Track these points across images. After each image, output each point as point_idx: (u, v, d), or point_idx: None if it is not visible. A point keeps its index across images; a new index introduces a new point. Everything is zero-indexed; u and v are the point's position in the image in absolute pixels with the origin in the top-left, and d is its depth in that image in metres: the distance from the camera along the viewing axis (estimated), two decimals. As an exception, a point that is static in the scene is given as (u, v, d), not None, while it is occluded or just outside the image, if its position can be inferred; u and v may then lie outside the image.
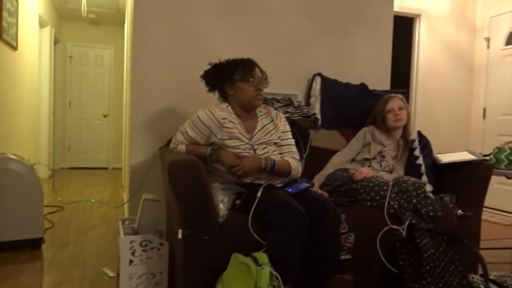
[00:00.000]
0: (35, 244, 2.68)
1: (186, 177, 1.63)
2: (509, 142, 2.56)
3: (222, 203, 1.74)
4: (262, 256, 1.57)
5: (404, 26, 4.71)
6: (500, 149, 2.51)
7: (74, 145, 7.25)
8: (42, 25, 5.56)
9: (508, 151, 2.47)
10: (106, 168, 7.39)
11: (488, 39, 4.75)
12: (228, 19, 2.69)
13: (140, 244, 1.93)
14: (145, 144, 2.51)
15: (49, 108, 5.90)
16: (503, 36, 4.59)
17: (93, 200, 4.32)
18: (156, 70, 2.54)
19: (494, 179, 3.52)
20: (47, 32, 5.74)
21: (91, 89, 7.30)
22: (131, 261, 1.92)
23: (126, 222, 2.25)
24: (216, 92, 2.10)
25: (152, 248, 1.95)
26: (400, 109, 2.41)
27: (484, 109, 4.81)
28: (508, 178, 2.51)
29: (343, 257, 1.82)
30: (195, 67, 2.55)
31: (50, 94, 5.95)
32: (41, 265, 2.41)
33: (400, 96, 2.49)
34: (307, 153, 2.50)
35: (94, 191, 4.94)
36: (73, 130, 7.23)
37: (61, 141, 7.10)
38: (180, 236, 1.63)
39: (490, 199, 4.53)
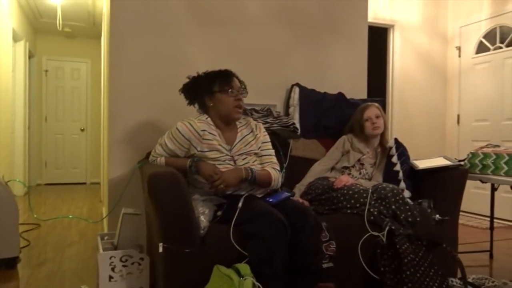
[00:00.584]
0: (10, 263, 2.58)
1: (165, 189, 1.62)
2: (482, 147, 2.64)
3: (203, 215, 1.74)
4: (244, 267, 1.57)
5: (378, 36, 4.82)
6: (474, 154, 2.58)
7: (50, 161, 7.10)
8: (16, 39, 5.47)
9: (481, 156, 2.54)
10: (84, 183, 7.25)
11: (459, 48, 4.90)
12: (206, 31, 2.70)
13: (120, 260, 1.90)
14: (124, 158, 2.49)
15: (24, 123, 5.78)
16: (473, 45, 4.75)
17: (71, 216, 4.22)
18: (134, 83, 2.52)
19: (469, 183, 3.62)
20: (21, 46, 5.64)
21: (67, 103, 7.19)
22: (111, 277, 1.88)
23: (106, 238, 2.21)
24: (196, 104, 2.09)
25: (132, 263, 1.92)
26: (377, 117, 2.45)
27: (458, 116, 4.94)
28: (483, 182, 2.58)
29: (325, 265, 1.82)
30: (173, 79, 2.55)
31: (25, 109, 5.83)
32: (16, 285, 2.33)
33: (376, 104, 2.54)
34: (287, 162, 2.52)
35: (72, 207, 4.83)
36: (49, 145, 7.09)
37: (37, 156, 6.94)
38: (160, 249, 1.61)
39: (467, 203, 4.64)
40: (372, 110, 2.47)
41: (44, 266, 2.64)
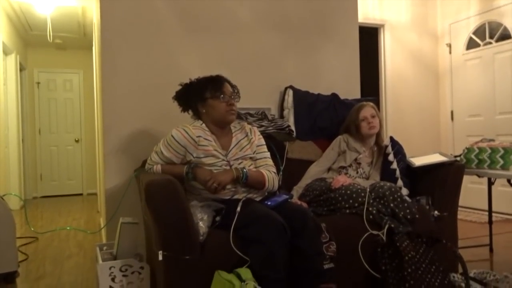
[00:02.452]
0: (9, 278, 2.57)
1: (163, 196, 1.61)
2: (477, 142, 2.65)
3: (202, 221, 1.73)
4: (245, 272, 1.56)
5: (369, 36, 4.84)
6: (469, 149, 2.59)
7: (46, 173, 7.05)
8: (6, 52, 5.44)
9: (477, 150, 2.55)
10: (81, 194, 7.21)
11: (449, 45, 4.94)
12: (197, 38, 2.70)
13: (120, 269, 1.89)
14: (120, 167, 2.47)
15: (18, 137, 5.74)
16: (463, 41, 4.78)
17: (68, 228, 4.19)
18: (126, 92, 2.52)
19: (466, 178, 3.60)
20: (12, 59, 5.61)
21: (61, 114, 7.15)
22: (111, 288, 1.87)
23: (104, 248, 2.19)
24: (190, 111, 2.09)
25: (132, 273, 1.91)
26: (373, 116, 2.46)
27: (452, 112, 4.96)
28: (479, 176, 2.59)
29: (326, 266, 1.82)
30: (166, 87, 2.55)
31: (18, 122, 5.80)
32: (16, 300, 2.31)
33: (371, 104, 2.54)
34: (284, 165, 2.52)
35: (69, 219, 4.80)
36: (44, 157, 7.04)
37: (32, 169, 6.90)
38: (160, 257, 1.60)
39: (465, 198, 4.64)
40: (368, 110, 2.48)
41: (43, 279, 2.62)
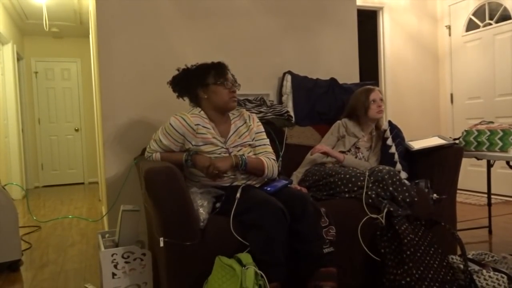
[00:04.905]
0: (13, 267, 2.60)
1: (163, 183, 1.62)
2: (476, 125, 2.65)
3: (202, 208, 1.74)
4: (246, 257, 1.58)
5: (368, 19, 4.80)
6: (468, 132, 2.59)
7: (47, 163, 7.07)
8: (3, 42, 5.41)
9: (476, 133, 2.55)
10: (82, 183, 7.24)
11: (449, 27, 4.90)
12: (194, 24, 2.68)
13: (122, 256, 1.91)
14: (120, 156, 2.48)
15: (18, 127, 5.74)
16: (462, 23, 4.74)
17: (70, 216, 4.23)
18: (124, 80, 2.51)
19: (465, 161, 3.60)
20: (9, 49, 5.58)
21: (60, 104, 7.14)
22: (114, 274, 1.89)
23: (106, 235, 2.21)
24: (186, 98, 2.08)
25: (134, 259, 1.93)
26: (381, 100, 2.46)
27: (451, 95, 4.95)
28: (478, 159, 2.59)
29: (325, 250, 1.84)
30: (163, 74, 2.54)
31: (17, 112, 5.79)
32: (21, 287, 2.34)
33: (378, 88, 2.53)
34: (283, 151, 2.52)
35: (71, 208, 4.83)
36: (44, 147, 7.06)
37: (33, 159, 6.92)
38: (161, 244, 1.62)
39: (464, 181, 4.67)
40: (377, 93, 2.47)
41: (47, 267, 2.65)
